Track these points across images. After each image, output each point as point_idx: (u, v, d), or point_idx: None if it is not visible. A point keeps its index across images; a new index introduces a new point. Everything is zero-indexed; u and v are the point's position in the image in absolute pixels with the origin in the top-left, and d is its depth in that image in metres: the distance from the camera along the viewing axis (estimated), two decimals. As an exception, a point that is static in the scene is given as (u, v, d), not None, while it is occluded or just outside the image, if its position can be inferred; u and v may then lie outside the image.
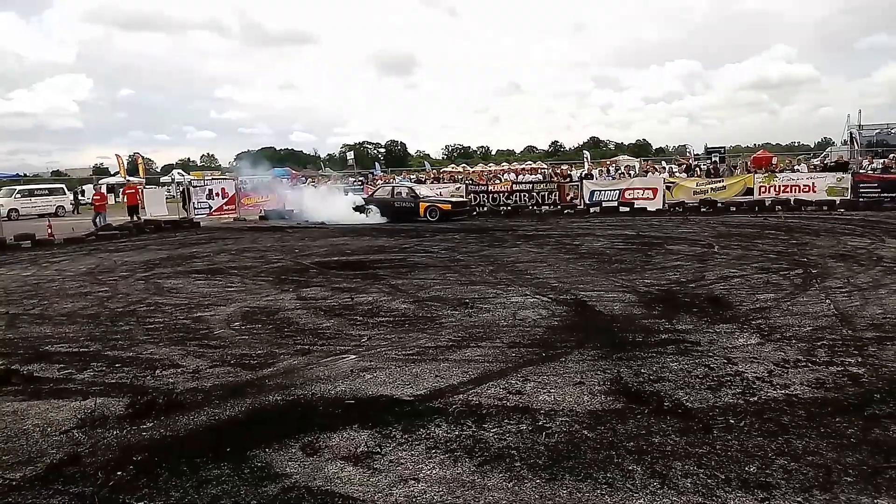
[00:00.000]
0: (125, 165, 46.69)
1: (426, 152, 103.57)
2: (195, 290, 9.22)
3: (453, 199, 23.19)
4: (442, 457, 3.54)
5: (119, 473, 3.46)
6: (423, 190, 24.10)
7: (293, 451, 3.67)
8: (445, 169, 47.60)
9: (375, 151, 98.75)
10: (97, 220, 21.94)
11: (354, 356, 5.55)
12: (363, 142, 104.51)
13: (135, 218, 23.28)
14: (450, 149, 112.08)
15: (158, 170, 77.35)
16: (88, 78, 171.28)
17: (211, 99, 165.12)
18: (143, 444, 3.83)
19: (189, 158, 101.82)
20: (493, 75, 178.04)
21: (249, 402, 4.48)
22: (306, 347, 5.90)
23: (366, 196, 23.72)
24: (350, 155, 51.79)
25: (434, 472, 3.37)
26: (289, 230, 19.35)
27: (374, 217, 21.67)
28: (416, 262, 11.33)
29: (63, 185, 38.96)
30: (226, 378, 5.09)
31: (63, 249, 16.21)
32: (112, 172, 55.14)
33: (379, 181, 32.39)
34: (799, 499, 2.97)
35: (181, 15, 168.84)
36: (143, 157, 48.51)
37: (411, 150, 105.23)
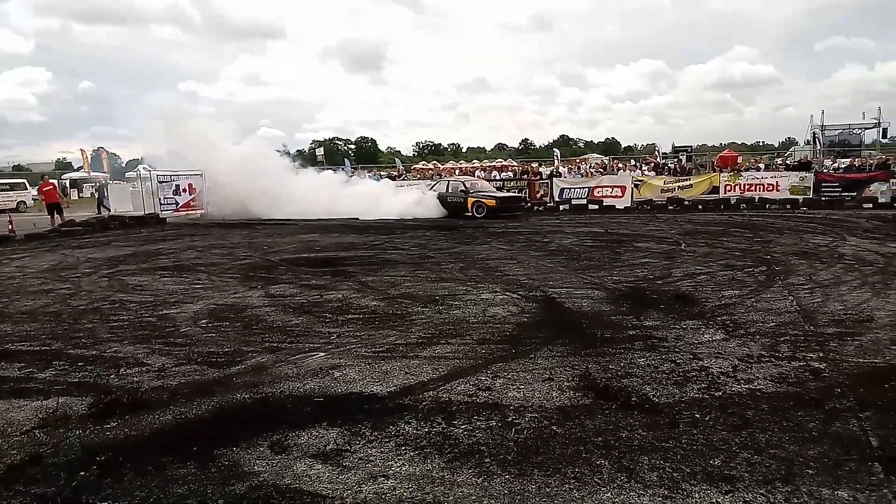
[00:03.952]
0: (89, 160, 45.72)
1: (397, 149, 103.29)
2: (161, 288, 9.07)
3: (499, 195, 21.73)
4: (411, 453, 3.54)
5: (82, 474, 3.39)
6: (478, 184, 22.79)
7: (261, 449, 3.63)
8: (416, 166, 47.51)
9: (346, 147, 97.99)
10: None
11: (323, 353, 5.51)
12: (333, 138, 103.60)
13: (55, 217, 20.18)
14: (421, 146, 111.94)
15: (124, 164, 75.71)
16: (48, 71, 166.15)
17: (175, 93, 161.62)
18: (106, 444, 3.76)
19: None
20: (461, 71, 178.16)
21: (216, 401, 4.43)
22: (275, 345, 5.84)
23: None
24: (320, 151, 51.30)
25: (404, 468, 3.37)
26: (258, 226, 19.13)
27: (429, 211, 21.21)
28: (387, 259, 11.28)
29: (24, 181, 38.03)
30: (192, 376, 5.02)
31: (24, 246, 15.82)
32: (76, 167, 53.91)
33: (353, 176, 32.03)
34: (762, 491, 3.03)
35: (140, 6, 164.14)
36: (107, 152, 47.39)
37: (382, 146, 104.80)
